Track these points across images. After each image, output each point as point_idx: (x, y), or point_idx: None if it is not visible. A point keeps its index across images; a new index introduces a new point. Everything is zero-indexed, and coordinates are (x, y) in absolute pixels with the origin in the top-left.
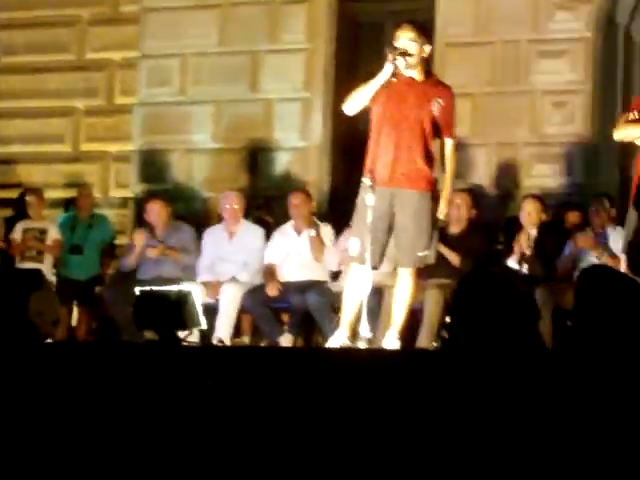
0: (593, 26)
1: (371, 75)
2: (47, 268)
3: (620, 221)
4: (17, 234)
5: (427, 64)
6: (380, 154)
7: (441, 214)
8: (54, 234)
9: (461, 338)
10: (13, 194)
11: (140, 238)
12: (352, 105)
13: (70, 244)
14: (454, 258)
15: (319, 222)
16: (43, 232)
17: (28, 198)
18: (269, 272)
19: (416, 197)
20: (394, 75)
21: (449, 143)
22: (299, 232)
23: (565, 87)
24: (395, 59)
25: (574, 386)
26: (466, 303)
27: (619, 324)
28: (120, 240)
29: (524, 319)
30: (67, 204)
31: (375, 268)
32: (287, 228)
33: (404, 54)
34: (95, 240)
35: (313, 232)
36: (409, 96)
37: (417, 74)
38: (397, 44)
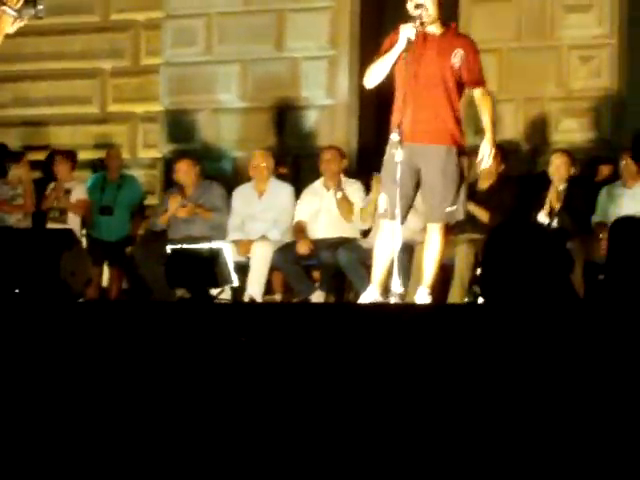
0: None
1: (393, 32)
2: (73, 228)
3: None
4: (48, 194)
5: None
6: (405, 111)
7: (486, 156)
8: (79, 194)
9: (494, 290)
10: (42, 156)
11: (174, 203)
12: (372, 79)
13: (100, 205)
14: (483, 215)
15: (349, 179)
16: (68, 192)
17: (57, 159)
18: (299, 230)
19: (442, 152)
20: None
21: (477, 92)
22: (329, 189)
23: (591, 41)
24: (411, 20)
25: (606, 338)
26: (498, 256)
27: None
28: (149, 200)
29: (557, 271)
30: (94, 165)
31: (402, 223)
32: (317, 185)
33: (420, 7)
34: (124, 201)
35: (339, 194)
36: (428, 52)
37: (435, 28)
38: (413, 1)
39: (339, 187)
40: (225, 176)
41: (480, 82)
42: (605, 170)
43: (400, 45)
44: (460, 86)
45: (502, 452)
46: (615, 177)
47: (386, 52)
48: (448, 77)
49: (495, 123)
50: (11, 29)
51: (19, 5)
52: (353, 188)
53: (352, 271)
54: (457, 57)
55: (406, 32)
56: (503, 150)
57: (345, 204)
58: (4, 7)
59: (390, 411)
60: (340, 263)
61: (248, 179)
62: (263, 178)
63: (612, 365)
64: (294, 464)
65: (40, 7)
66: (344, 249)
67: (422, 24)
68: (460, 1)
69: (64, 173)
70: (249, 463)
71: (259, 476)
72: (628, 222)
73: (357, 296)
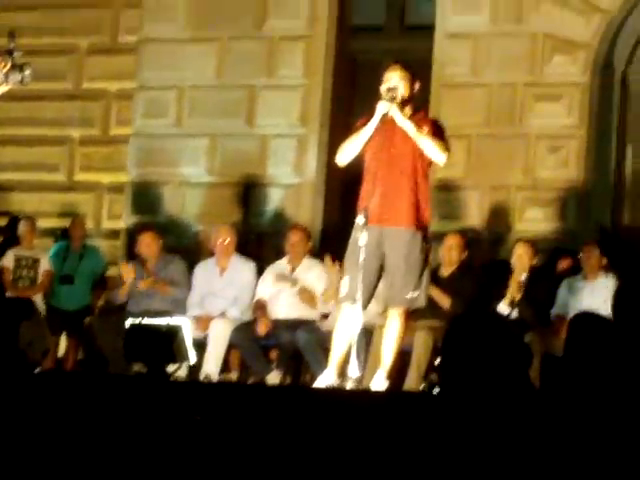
0: (590, 71)
1: (367, 114)
2: (38, 298)
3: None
4: (8, 262)
5: (419, 101)
6: (372, 193)
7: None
8: (45, 265)
9: (451, 380)
10: (4, 221)
11: (128, 272)
12: (345, 156)
13: (61, 274)
14: (445, 301)
15: (312, 259)
16: (36, 261)
17: (21, 226)
18: (259, 308)
19: (407, 236)
20: (383, 117)
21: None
22: (294, 269)
23: (560, 131)
24: (386, 100)
25: (561, 431)
26: (457, 346)
27: (607, 370)
28: (111, 272)
29: (515, 364)
30: (57, 234)
31: (364, 307)
32: (282, 264)
33: (393, 90)
34: (86, 271)
35: (298, 286)
36: (396, 134)
37: (406, 112)
38: (386, 85)
39: (296, 282)
40: (188, 250)
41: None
42: (566, 262)
43: (375, 120)
44: (427, 170)
45: None
46: (576, 270)
47: (360, 129)
48: (416, 161)
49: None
50: None
51: (6, 70)
52: (317, 269)
53: (310, 353)
54: None
55: (382, 108)
56: (467, 238)
57: (306, 295)
58: None
59: None
60: (299, 344)
61: (211, 254)
62: (226, 254)
63: (565, 458)
64: None
65: (27, 72)
66: (303, 331)
67: (394, 99)
68: (431, 86)
69: (28, 240)
70: None
71: None
72: (587, 318)
73: (313, 378)
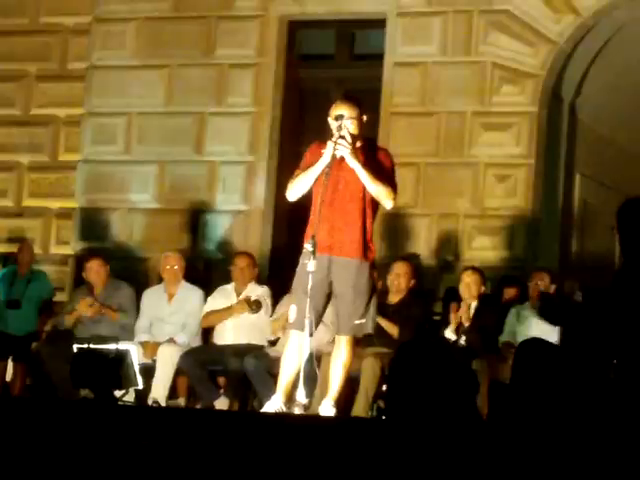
0: (538, 101)
1: (316, 142)
2: None
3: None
4: None
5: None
6: (321, 221)
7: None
8: None
9: (397, 407)
10: None
11: (84, 304)
12: (294, 192)
13: (8, 298)
14: (393, 330)
15: (257, 285)
16: None
17: None
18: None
19: (354, 265)
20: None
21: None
22: (239, 294)
23: (508, 160)
24: (335, 147)
25: (509, 459)
26: (403, 373)
27: (555, 397)
28: (59, 297)
29: (462, 391)
30: (4, 259)
31: (311, 334)
32: (228, 289)
33: (343, 139)
34: (33, 296)
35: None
36: (346, 165)
37: (356, 143)
38: (334, 120)
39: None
40: (135, 276)
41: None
42: (513, 290)
43: (325, 160)
44: (376, 200)
45: None
46: (524, 298)
47: (309, 166)
48: (363, 191)
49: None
50: None
51: None
52: (261, 293)
53: (258, 379)
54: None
55: (333, 151)
56: (414, 265)
57: (246, 302)
58: None
59: None
60: (247, 370)
61: (159, 280)
62: (174, 280)
63: None
64: None
65: None
66: (251, 357)
67: (346, 143)
68: (380, 113)
69: None
70: None
71: None
72: (534, 344)
73: (261, 404)
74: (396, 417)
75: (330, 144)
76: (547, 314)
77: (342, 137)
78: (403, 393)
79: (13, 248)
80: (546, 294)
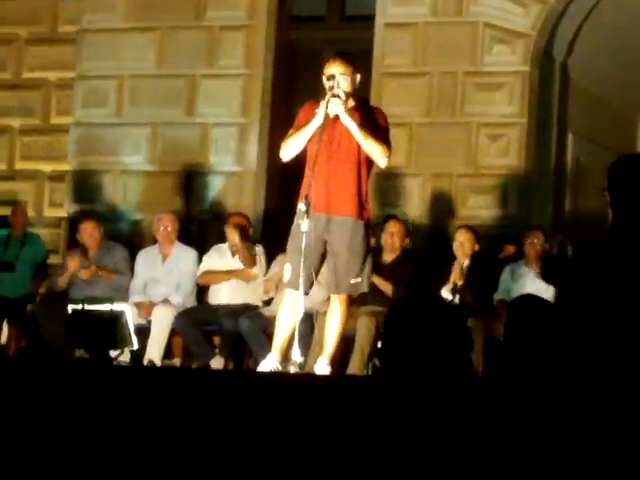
0: (530, 60)
1: (308, 102)
2: None
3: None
4: None
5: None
6: (315, 181)
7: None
8: None
9: (393, 364)
10: None
11: (74, 263)
12: (288, 152)
13: (1, 261)
14: (387, 288)
15: (251, 244)
16: None
17: None
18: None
19: (349, 224)
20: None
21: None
22: (234, 255)
23: (501, 120)
24: (327, 105)
25: (503, 416)
26: (398, 330)
27: (547, 353)
28: (53, 259)
29: (456, 348)
30: None
31: (306, 293)
32: (224, 247)
33: (337, 96)
34: (27, 258)
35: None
36: (339, 123)
37: (349, 102)
38: (328, 82)
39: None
40: (129, 238)
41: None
42: (509, 249)
43: (318, 119)
44: (370, 159)
45: None
46: (519, 256)
47: (302, 126)
48: (357, 149)
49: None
50: None
51: None
52: (257, 251)
53: (253, 338)
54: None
55: (328, 108)
56: (408, 225)
57: (243, 253)
58: None
59: None
60: (242, 330)
61: (151, 242)
62: (168, 241)
63: (507, 442)
64: None
65: None
66: (246, 317)
67: (339, 100)
68: (372, 74)
69: None
70: None
71: None
72: (527, 300)
73: (256, 363)
74: (391, 374)
75: (323, 103)
76: (550, 277)
77: (335, 95)
78: (397, 350)
79: (6, 211)
80: (549, 257)
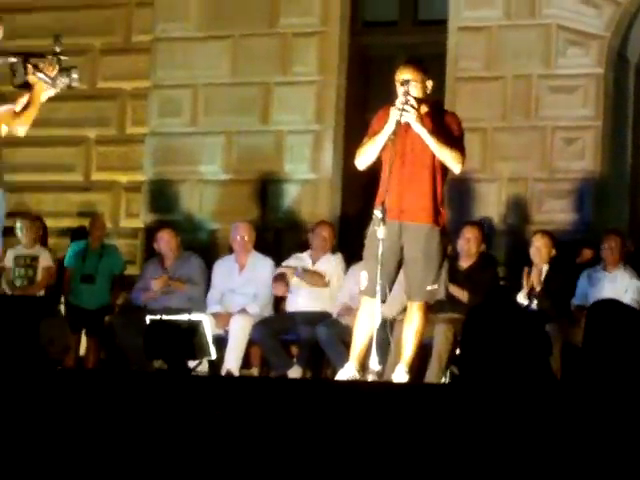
0: (604, 62)
1: (382, 108)
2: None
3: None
4: (8, 261)
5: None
6: (390, 188)
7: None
8: (46, 261)
9: (471, 371)
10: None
11: (159, 284)
12: (363, 160)
13: (81, 273)
14: (463, 295)
15: (332, 254)
16: (34, 259)
17: (18, 224)
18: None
19: (425, 231)
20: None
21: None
22: (315, 262)
23: (576, 123)
24: (401, 114)
25: (583, 421)
26: (476, 336)
27: (628, 358)
28: (130, 270)
29: (536, 354)
30: (73, 233)
31: (383, 301)
32: (304, 256)
33: (408, 104)
34: (106, 270)
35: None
36: (413, 130)
37: (423, 106)
38: (400, 85)
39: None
40: (205, 247)
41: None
42: (587, 253)
43: (389, 127)
44: (444, 165)
45: None
46: (596, 260)
47: (376, 133)
48: (432, 155)
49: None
50: (42, 98)
51: (54, 73)
52: (335, 262)
53: (331, 347)
54: None
55: (397, 115)
56: (484, 230)
57: (310, 276)
58: (40, 74)
59: None
60: (319, 339)
61: (227, 251)
62: (245, 251)
63: (588, 447)
64: None
65: (75, 76)
66: (324, 325)
67: (411, 108)
68: (445, 79)
69: (29, 238)
70: None
71: None
72: (606, 305)
73: (334, 372)
74: (469, 381)
75: (394, 110)
76: None
77: (407, 102)
78: (476, 357)
79: (83, 222)
80: None
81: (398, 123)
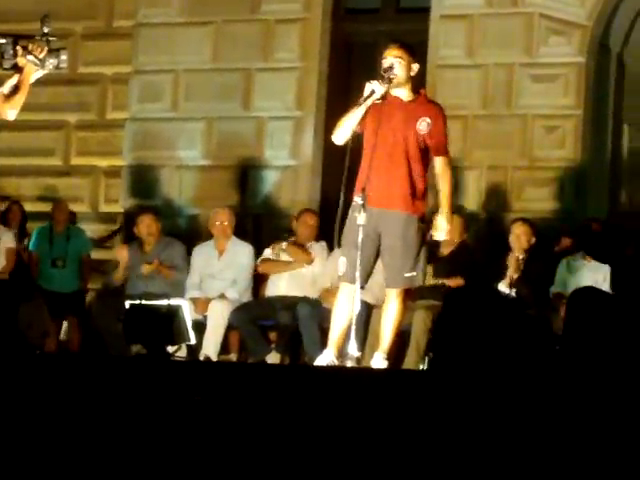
0: (586, 51)
1: (359, 97)
2: None
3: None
4: None
5: (415, 83)
6: (370, 174)
7: (441, 232)
8: (8, 242)
9: (445, 356)
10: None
11: (123, 254)
12: (340, 133)
13: (50, 257)
14: (457, 282)
15: (315, 242)
16: None
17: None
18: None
19: (402, 218)
20: (382, 97)
21: (439, 161)
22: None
23: (556, 112)
24: (379, 78)
25: (561, 408)
26: (451, 319)
27: (608, 345)
28: (109, 255)
29: (515, 340)
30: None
31: (362, 287)
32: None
33: (388, 70)
34: (74, 253)
35: (284, 244)
36: (395, 116)
37: (405, 94)
38: (384, 63)
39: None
40: (184, 233)
41: (442, 152)
42: (566, 241)
43: (365, 94)
44: (427, 153)
45: None
46: (575, 249)
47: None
48: (412, 144)
49: (453, 195)
50: (31, 79)
51: (43, 55)
52: (319, 249)
53: (308, 328)
54: (423, 125)
55: (372, 86)
56: (465, 218)
57: (294, 249)
58: (29, 56)
59: (341, 475)
60: (299, 317)
61: (206, 237)
62: (224, 236)
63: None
64: None
65: (63, 57)
66: (305, 303)
67: (389, 80)
68: (427, 66)
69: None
70: None
71: None
72: (586, 292)
73: (312, 359)
74: (443, 363)
75: (369, 84)
76: (591, 249)
77: (388, 76)
78: (450, 340)
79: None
80: (588, 227)
81: (372, 92)
